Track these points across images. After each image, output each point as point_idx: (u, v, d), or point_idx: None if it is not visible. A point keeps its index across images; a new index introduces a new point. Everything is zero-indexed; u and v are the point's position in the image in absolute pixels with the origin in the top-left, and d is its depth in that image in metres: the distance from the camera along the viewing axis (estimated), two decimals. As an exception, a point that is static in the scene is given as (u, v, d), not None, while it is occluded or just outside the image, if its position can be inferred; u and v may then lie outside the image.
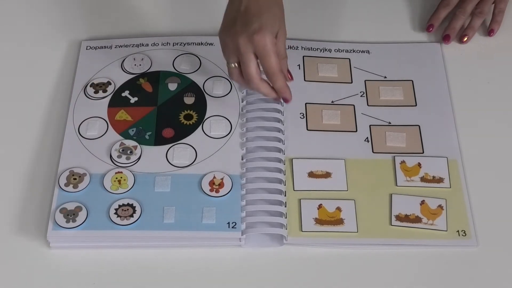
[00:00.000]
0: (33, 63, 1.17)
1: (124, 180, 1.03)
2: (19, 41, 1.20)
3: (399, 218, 1.00)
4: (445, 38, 1.19)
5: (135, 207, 1.00)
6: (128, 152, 1.06)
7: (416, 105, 1.12)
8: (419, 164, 1.05)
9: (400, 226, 0.99)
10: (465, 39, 1.19)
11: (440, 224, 1.00)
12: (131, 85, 1.13)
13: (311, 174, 1.04)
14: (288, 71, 1.07)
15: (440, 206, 1.01)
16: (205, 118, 1.09)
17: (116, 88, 1.13)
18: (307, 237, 0.99)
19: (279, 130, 1.08)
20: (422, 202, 1.01)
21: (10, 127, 1.10)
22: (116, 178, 1.03)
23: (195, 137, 1.07)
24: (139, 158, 1.05)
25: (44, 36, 1.21)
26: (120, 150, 1.06)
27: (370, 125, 1.09)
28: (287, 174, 1.04)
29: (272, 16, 1.00)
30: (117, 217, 0.99)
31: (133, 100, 1.11)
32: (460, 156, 1.06)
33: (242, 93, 1.12)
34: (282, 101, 1.07)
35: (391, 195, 1.02)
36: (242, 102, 1.11)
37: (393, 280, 0.97)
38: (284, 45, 1.04)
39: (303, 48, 1.17)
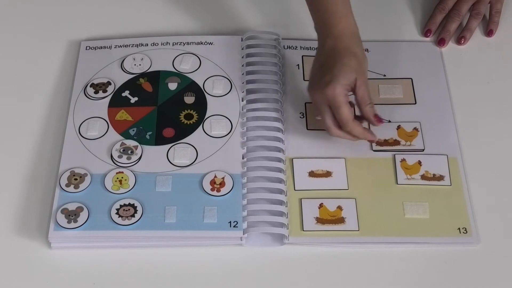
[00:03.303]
0: (32, 64, 1.17)
1: (125, 180, 1.03)
2: (19, 42, 1.20)
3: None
4: (440, 42, 1.18)
5: (136, 207, 1.00)
6: (129, 152, 1.06)
7: (415, 103, 1.12)
8: (419, 162, 1.05)
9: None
10: (463, 41, 1.19)
11: (417, 144, 1.06)
12: (131, 85, 1.13)
13: (312, 174, 1.04)
14: (376, 115, 1.03)
15: (415, 129, 1.06)
16: (205, 117, 1.09)
17: (116, 88, 1.12)
18: (308, 236, 0.99)
19: (279, 130, 1.08)
20: (398, 127, 1.07)
21: (11, 128, 1.10)
22: (117, 178, 1.03)
23: (195, 137, 1.07)
24: (140, 158, 1.05)
25: (43, 36, 1.20)
26: (121, 150, 1.06)
27: (370, 124, 1.09)
28: (287, 174, 1.04)
29: (344, 67, 1.00)
30: (119, 217, 0.99)
31: (133, 100, 1.11)
32: (460, 154, 1.06)
33: (242, 92, 1.12)
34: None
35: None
36: (242, 101, 1.11)
37: (394, 278, 0.97)
38: (366, 92, 1.02)
39: (302, 48, 1.16)
